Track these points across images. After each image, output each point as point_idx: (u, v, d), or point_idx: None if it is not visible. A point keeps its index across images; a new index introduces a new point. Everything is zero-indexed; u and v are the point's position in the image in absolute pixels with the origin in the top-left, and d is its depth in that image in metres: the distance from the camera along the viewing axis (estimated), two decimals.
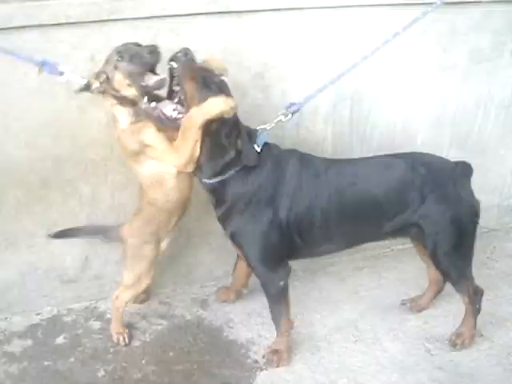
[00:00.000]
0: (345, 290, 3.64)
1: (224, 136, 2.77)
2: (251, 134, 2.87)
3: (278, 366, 3.05)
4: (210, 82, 2.74)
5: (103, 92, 2.79)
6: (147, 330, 3.32)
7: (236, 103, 2.75)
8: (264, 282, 3.01)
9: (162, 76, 2.75)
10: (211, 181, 2.88)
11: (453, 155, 3.61)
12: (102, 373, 3.02)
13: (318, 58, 3.46)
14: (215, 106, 2.68)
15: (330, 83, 3.10)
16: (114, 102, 2.80)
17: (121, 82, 2.74)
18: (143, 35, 2.99)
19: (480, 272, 3.36)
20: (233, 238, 2.98)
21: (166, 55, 2.75)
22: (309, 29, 3.38)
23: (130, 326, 3.29)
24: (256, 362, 3.10)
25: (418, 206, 2.97)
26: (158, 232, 3.08)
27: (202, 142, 2.74)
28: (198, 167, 2.84)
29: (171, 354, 3.15)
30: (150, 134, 2.80)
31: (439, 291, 3.40)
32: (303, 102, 3.07)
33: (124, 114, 2.82)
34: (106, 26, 3.01)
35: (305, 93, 3.09)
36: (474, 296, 3.12)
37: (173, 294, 3.60)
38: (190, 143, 2.73)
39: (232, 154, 2.81)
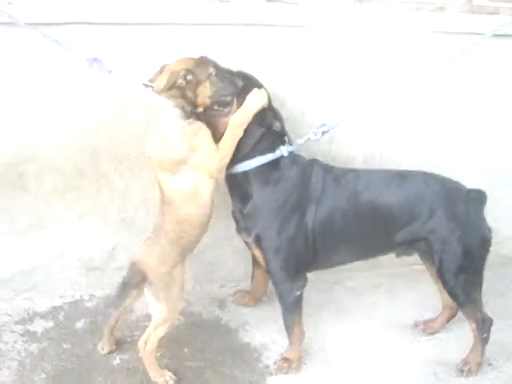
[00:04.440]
0: (361, 305, 3.68)
1: (260, 119, 2.89)
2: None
3: (287, 374, 3.11)
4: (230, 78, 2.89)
5: (177, 90, 2.74)
6: None
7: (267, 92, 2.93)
8: (281, 290, 3.08)
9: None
10: (235, 170, 2.95)
11: (482, 182, 3.66)
12: (117, 361, 3.12)
13: (356, 79, 3.55)
14: (257, 102, 2.85)
15: (363, 109, 3.27)
16: (174, 103, 2.74)
17: (205, 92, 2.80)
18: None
19: (495, 301, 3.41)
20: (258, 241, 3.03)
21: None
22: (349, 48, 3.47)
23: (147, 318, 3.36)
24: (267, 366, 3.16)
25: (427, 220, 3.04)
26: (185, 251, 2.95)
27: None
28: None
29: (186, 350, 3.22)
30: (206, 136, 2.81)
31: (452, 316, 3.43)
32: (334, 125, 3.19)
33: (175, 117, 2.74)
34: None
35: (338, 112, 3.20)
36: (482, 324, 3.14)
37: (192, 292, 3.67)
38: (234, 142, 2.83)
39: (261, 131, 2.92)
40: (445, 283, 3.13)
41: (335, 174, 3.08)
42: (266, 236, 3.00)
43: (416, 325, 3.51)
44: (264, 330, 3.41)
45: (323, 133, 3.15)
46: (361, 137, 3.66)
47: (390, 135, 3.73)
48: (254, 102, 2.85)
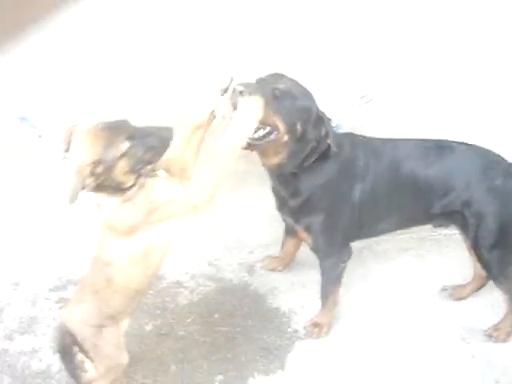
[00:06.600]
0: (389, 269, 3.69)
1: (309, 132, 2.76)
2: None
3: (317, 338, 3.16)
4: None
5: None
6: (195, 289, 3.46)
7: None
8: (326, 264, 3.12)
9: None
10: (285, 172, 2.89)
11: None
12: (149, 327, 3.19)
13: None
14: (250, 117, 2.40)
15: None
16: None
17: (123, 169, 2.30)
18: None
19: None
20: (308, 229, 3.03)
21: None
22: None
23: (178, 285, 3.45)
24: (296, 331, 3.21)
25: (462, 193, 3.01)
26: (118, 315, 2.53)
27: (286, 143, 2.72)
28: (278, 164, 2.82)
29: (216, 315, 3.28)
30: (163, 186, 2.40)
31: (483, 285, 3.39)
32: (376, 93, 3.12)
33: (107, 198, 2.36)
34: None
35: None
36: None
37: (222, 257, 3.71)
38: (224, 174, 2.37)
39: (313, 144, 2.81)
40: (479, 257, 3.12)
41: (373, 146, 3.05)
42: (316, 223, 3.00)
43: (444, 289, 3.51)
44: (293, 295, 3.45)
45: (367, 103, 3.11)
46: None
47: None
48: (245, 119, 2.39)
